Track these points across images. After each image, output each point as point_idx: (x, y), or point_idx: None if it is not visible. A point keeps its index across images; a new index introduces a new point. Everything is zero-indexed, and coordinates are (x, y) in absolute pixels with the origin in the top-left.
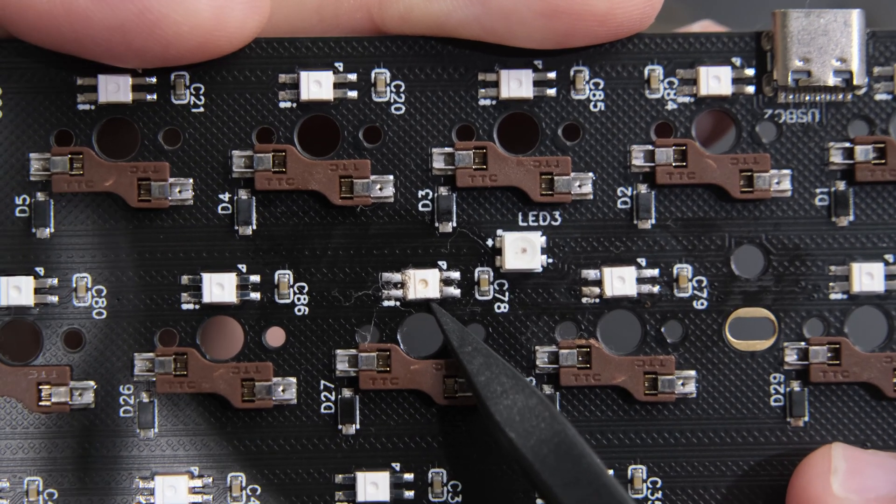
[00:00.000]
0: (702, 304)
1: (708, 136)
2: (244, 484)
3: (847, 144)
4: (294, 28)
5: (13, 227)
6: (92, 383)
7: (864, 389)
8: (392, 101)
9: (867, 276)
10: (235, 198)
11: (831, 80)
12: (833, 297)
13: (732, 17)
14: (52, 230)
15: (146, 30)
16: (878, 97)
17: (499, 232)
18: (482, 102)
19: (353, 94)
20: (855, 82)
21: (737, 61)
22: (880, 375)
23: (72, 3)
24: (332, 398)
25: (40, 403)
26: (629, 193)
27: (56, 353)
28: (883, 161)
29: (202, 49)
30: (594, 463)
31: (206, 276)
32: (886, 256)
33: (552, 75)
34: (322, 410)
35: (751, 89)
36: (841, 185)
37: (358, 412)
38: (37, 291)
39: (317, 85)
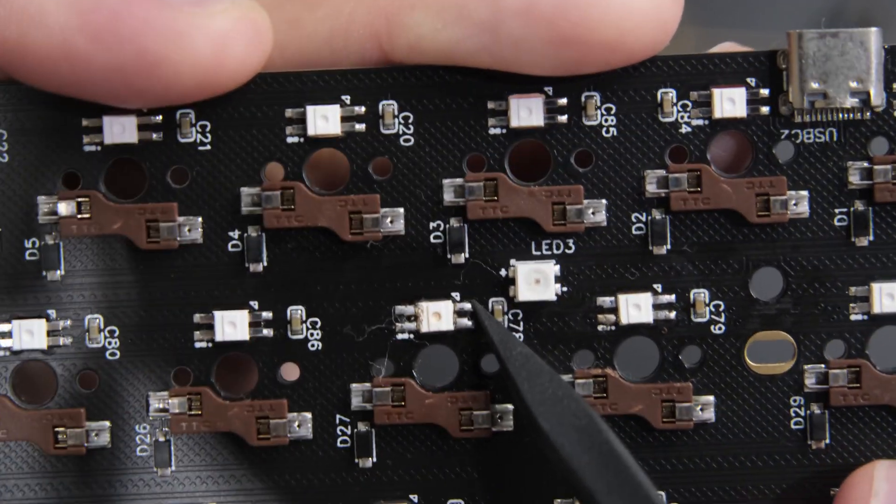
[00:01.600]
0: (720, 328)
1: (730, 160)
2: None
3: (866, 164)
4: (305, 60)
5: (24, 271)
6: (107, 423)
7: (885, 411)
8: (401, 132)
9: (888, 297)
10: (245, 235)
11: (848, 102)
12: (853, 318)
13: (746, 38)
14: (63, 272)
15: (146, 71)
16: None
17: (512, 262)
18: (492, 132)
19: (361, 126)
20: (872, 102)
21: (751, 82)
22: None
23: (70, 46)
24: (348, 432)
25: (56, 446)
26: (644, 219)
27: (70, 394)
28: None
29: (204, 87)
30: (636, 473)
31: (217, 315)
32: None
33: (563, 101)
34: (338, 445)
35: (766, 110)
36: (860, 206)
37: (374, 445)
38: (49, 334)
39: (324, 120)
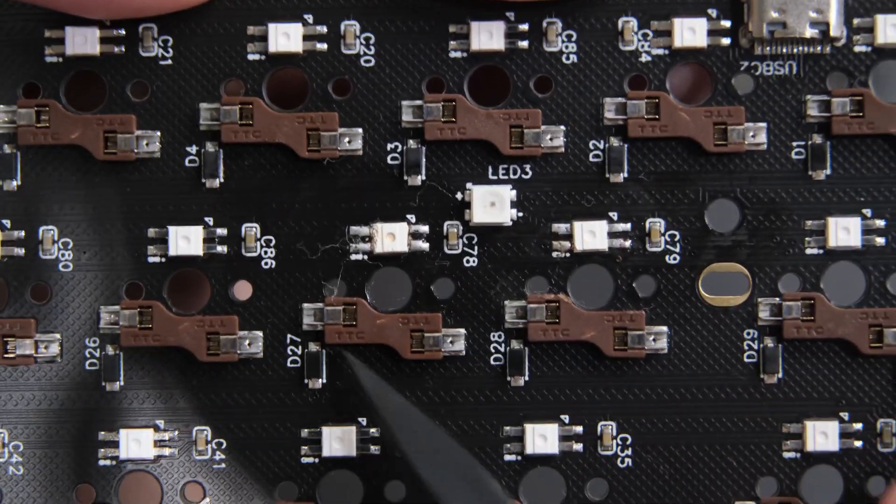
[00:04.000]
0: (674, 258)
1: (688, 92)
2: (210, 438)
3: (825, 97)
4: None
5: None
6: (57, 336)
7: (838, 346)
8: (361, 53)
9: (843, 231)
10: (203, 150)
11: (808, 32)
12: (809, 252)
13: None
14: (19, 182)
15: None
16: (857, 49)
17: (468, 185)
18: (453, 55)
19: (322, 46)
20: (832, 34)
21: (713, 13)
22: (855, 332)
23: None
24: (299, 352)
25: (5, 356)
26: (601, 147)
27: (22, 305)
28: (861, 114)
29: (168, 0)
30: None
31: (172, 230)
32: (864, 211)
33: (524, 27)
34: (289, 364)
35: (726, 41)
36: (818, 139)
37: (325, 366)
38: (3, 244)
39: (285, 37)
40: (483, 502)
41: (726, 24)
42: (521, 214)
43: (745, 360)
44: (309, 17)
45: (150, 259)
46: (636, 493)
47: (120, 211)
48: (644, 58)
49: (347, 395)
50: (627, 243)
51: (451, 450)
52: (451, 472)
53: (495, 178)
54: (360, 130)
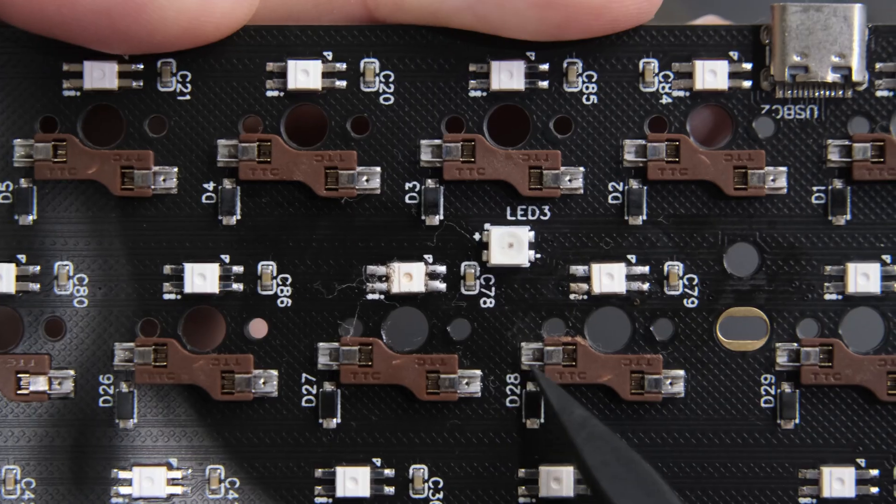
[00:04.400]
0: (692, 302)
1: (708, 135)
2: (223, 476)
3: (846, 142)
4: (289, 13)
5: None
6: (71, 372)
7: (856, 392)
8: (381, 91)
9: (863, 277)
10: (220, 187)
11: (829, 77)
12: (828, 297)
13: (734, 12)
14: (35, 217)
15: (131, 13)
16: (879, 94)
17: (486, 226)
18: (472, 94)
19: (341, 83)
20: (854, 79)
21: (734, 55)
22: (873, 378)
23: None
24: (314, 392)
25: (19, 392)
26: (620, 189)
27: (36, 341)
28: (882, 160)
29: (188, 35)
30: None
31: (188, 267)
32: (883, 257)
33: (545, 67)
34: (303, 404)
35: (748, 84)
36: (838, 184)
37: (339, 406)
38: (18, 279)
39: (304, 74)
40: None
41: (748, 66)
42: (538, 256)
43: (763, 405)
44: (328, 55)
45: (166, 296)
46: None
47: (136, 247)
48: (665, 100)
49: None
50: (645, 286)
51: (636, 464)
52: (636, 488)
53: (513, 219)
54: (379, 169)
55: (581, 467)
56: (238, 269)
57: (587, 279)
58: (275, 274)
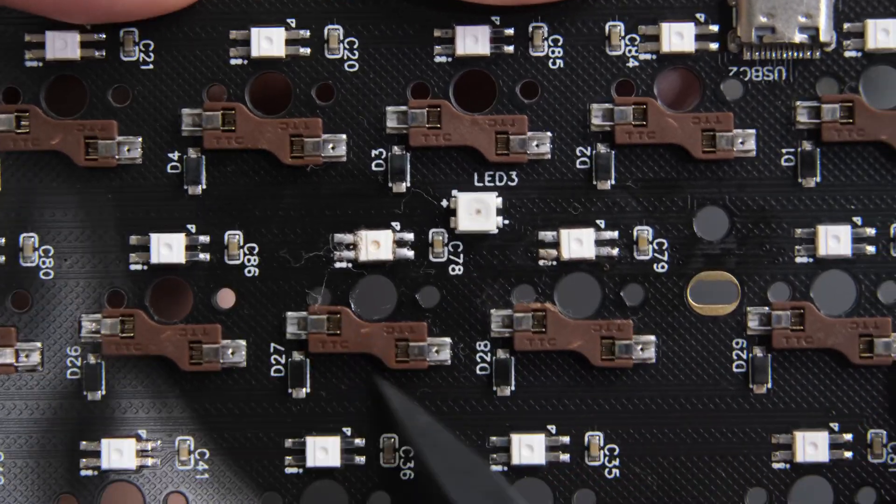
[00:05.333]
0: (662, 267)
1: (676, 98)
2: (192, 447)
3: (814, 103)
4: None
5: None
6: (38, 344)
7: (828, 356)
8: (345, 57)
9: (834, 240)
10: (185, 157)
11: (797, 37)
12: (798, 260)
13: None
14: (0, 189)
15: None
16: (847, 54)
17: (453, 192)
18: (438, 60)
19: (305, 50)
20: (822, 39)
21: (701, 17)
22: (845, 342)
23: None
24: (283, 361)
25: None
26: (588, 153)
27: (2, 313)
28: (851, 121)
29: (149, 4)
30: None
31: (154, 237)
32: (854, 219)
33: (510, 32)
34: (272, 374)
35: (715, 46)
36: (808, 146)
37: (308, 376)
38: None
39: (268, 41)
40: None
41: (714, 28)
42: (507, 222)
43: (734, 369)
44: (292, 22)
45: (132, 267)
46: None
47: (101, 218)
48: (631, 63)
49: (330, 403)
50: (615, 251)
51: (480, 469)
52: (481, 493)
53: (481, 185)
54: (344, 136)
55: (425, 473)
56: (204, 238)
57: (556, 245)
58: (241, 243)
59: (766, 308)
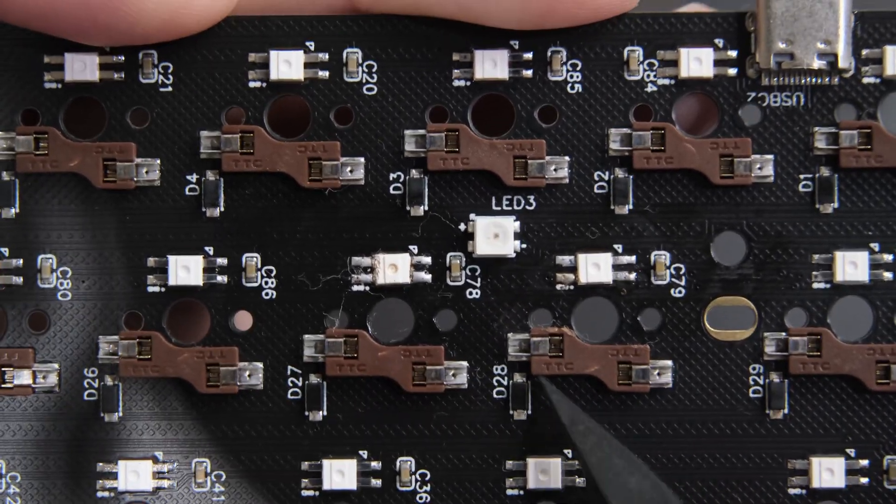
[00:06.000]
0: (680, 291)
1: (694, 123)
2: (209, 469)
3: (832, 129)
4: (271, 4)
5: None
6: (56, 366)
7: (845, 382)
8: (364, 81)
9: (851, 266)
10: (203, 179)
11: (815, 64)
12: (816, 286)
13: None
14: (17, 210)
15: (111, 6)
16: (865, 80)
17: (471, 216)
18: (456, 83)
19: (324, 73)
20: (840, 65)
21: (719, 43)
22: (862, 368)
23: None
24: (299, 384)
25: (3, 386)
26: (606, 178)
27: (20, 334)
28: (869, 147)
29: (169, 27)
30: None
31: (172, 259)
32: (871, 245)
33: (528, 56)
34: (289, 396)
35: (733, 72)
36: (825, 172)
37: (325, 398)
38: (1, 272)
39: (287, 64)
40: None
41: (733, 54)
42: (524, 246)
43: (751, 395)
44: (311, 45)
45: (150, 289)
46: None
47: (119, 240)
48: (650, 88)
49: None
50: (632, 276)
51: (647, 480)
52: (641, 495)
53: (499, 209)
54: (362, 160)
55: (591, 481)
56: (222, 261)
57: (573, 269)
58: (259, 266)
59: (783, 334)
